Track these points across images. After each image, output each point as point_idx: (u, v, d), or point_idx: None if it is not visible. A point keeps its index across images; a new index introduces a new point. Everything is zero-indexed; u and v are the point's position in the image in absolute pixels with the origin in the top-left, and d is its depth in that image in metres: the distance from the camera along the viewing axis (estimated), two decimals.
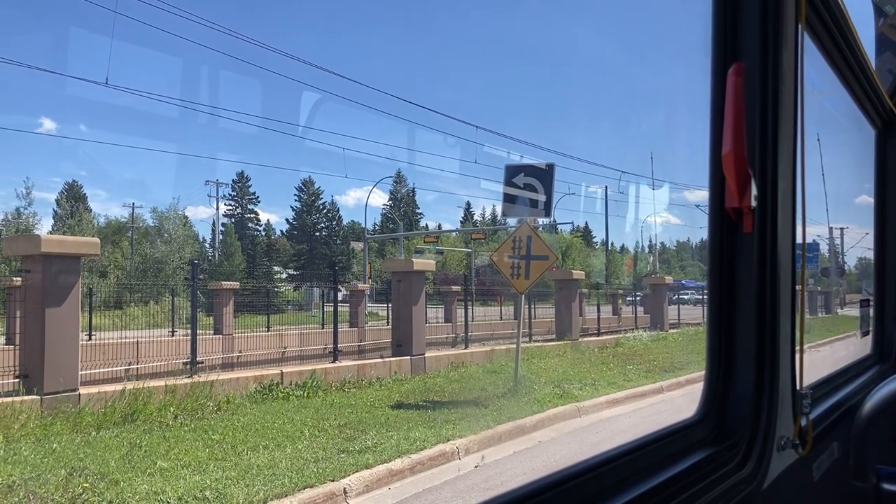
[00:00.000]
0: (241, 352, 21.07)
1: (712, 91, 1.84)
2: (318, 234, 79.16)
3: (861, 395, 2.82)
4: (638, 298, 35.32)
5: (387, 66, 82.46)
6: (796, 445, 2.05)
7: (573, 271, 24.65)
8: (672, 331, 27.87)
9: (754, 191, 1.80)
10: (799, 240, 2.11)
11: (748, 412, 1.88)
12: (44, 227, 49.94)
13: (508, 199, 13.63)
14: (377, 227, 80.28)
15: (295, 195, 79.32)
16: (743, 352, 1.90)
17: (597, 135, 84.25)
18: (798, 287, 2.12)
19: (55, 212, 57.20)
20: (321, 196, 79.41)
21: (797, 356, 2.09)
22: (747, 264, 1.88)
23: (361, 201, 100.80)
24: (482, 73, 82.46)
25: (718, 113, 1.80)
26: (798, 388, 2.10)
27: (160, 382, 11.50)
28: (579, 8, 72.73)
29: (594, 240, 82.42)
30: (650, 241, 74.49)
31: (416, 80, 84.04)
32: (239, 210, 76.49)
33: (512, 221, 16.88)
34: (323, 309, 28.23)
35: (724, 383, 1.90)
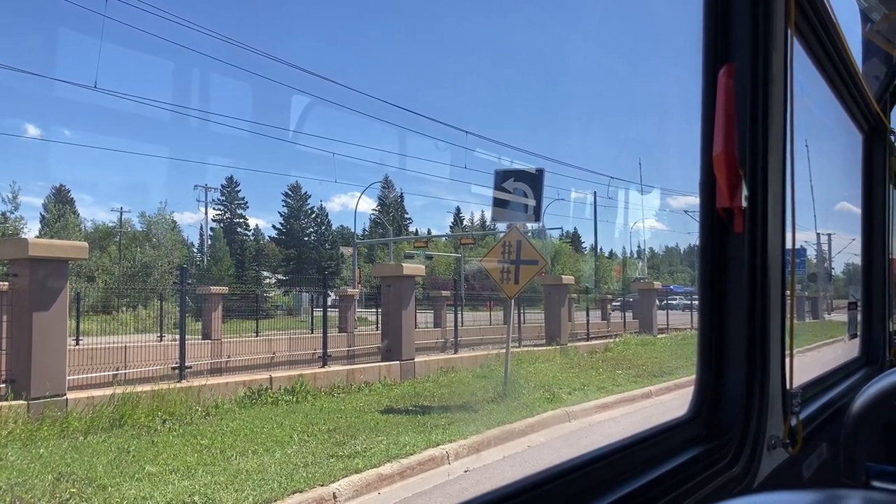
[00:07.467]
0: (229, 357, 20.93)
1: (703, 92, 1.85)
2: (306, 238, 78.79)
3: (850, 396, 2.84)
4: (627, 303, 35.39)
5: (377, 70, 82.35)
6: (786, 445, 2.06)
7: (563, 276, 24.64)
8: (661, 336, 27.93)
9: (745, 191, 1.82)
10: (788, 244, 2.13)
11: (739, 411, 1.89)
12: (31, 231, 49.61)
13: (498, 204, 13.65)
14: (366, 233, 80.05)
15: (283, 200, 79.00)
16: (734, 351, 1.91)
17: (587, 140, 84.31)
18: (787, 290, 2.13)
19: (42, 216, 56.88)
20: (309, 201, 79.14)
21: (787, 356, 2.10)
22: (738, 264, 1.89)
23: (347, 207, 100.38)
24: (473, 79, 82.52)
25: (709, 114, 1.81)
26: (788, 387, 2.11)
27: (148, 387, 11.43)
28: (570, 11, 72.98)
29: (583, 245, 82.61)
30: (639, 247, 74.85)
31: (407, 85, 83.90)
32: (228, 215, 76.04)
33: (502, 226, 16.93)
34: (312, 314, 28.15)
35: (715, 382, 1.91)
